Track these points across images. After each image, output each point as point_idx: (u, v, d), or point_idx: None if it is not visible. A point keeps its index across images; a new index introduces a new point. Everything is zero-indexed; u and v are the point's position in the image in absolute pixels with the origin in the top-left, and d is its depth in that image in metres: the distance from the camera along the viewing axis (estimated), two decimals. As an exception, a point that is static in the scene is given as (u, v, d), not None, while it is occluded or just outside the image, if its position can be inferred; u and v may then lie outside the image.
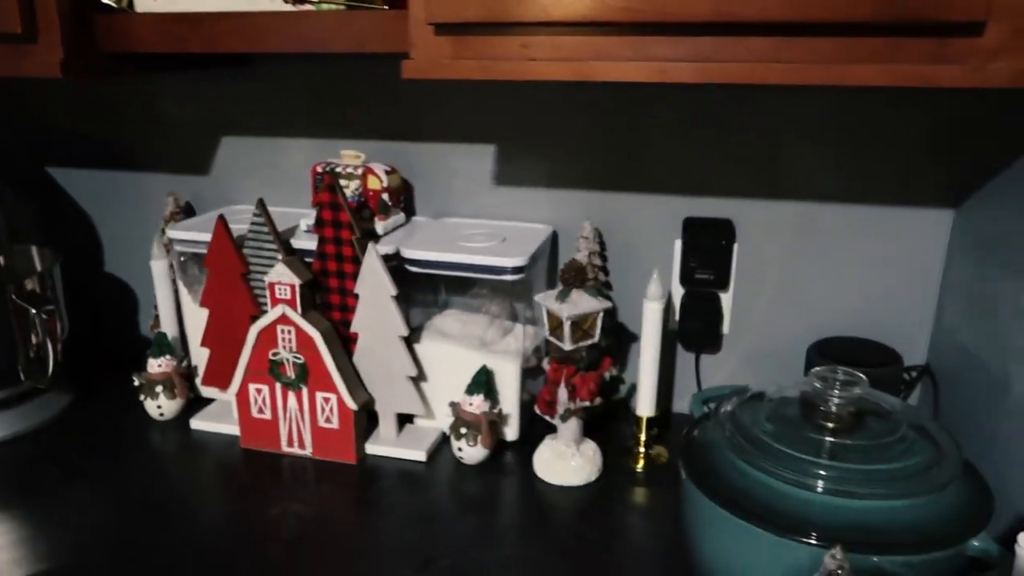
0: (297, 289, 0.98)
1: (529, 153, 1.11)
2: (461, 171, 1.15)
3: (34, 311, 1.09)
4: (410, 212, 1.18)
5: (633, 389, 1.01)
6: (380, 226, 1.08)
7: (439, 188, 1.17)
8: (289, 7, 0.91)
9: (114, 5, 0.94)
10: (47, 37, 0.91)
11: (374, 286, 0.97)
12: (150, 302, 1.24)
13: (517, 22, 0.74)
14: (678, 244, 1.06)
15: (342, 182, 1.11)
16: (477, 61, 0.77)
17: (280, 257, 1.01)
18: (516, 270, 0.97)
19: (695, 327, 1.07)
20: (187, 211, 1.29)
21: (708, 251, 1.04)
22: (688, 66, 0.71)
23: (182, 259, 1.15)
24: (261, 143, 1.24)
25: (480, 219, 1.15)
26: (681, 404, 1.15)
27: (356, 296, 0.99)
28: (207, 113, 1.24)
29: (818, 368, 0.72)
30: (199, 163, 1.28)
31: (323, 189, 0.99)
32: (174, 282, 1.18)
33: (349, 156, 1.11)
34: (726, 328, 1.09)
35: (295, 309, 0.98)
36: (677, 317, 1.09)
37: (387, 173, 1.10)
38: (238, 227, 1.04)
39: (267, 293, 0.99)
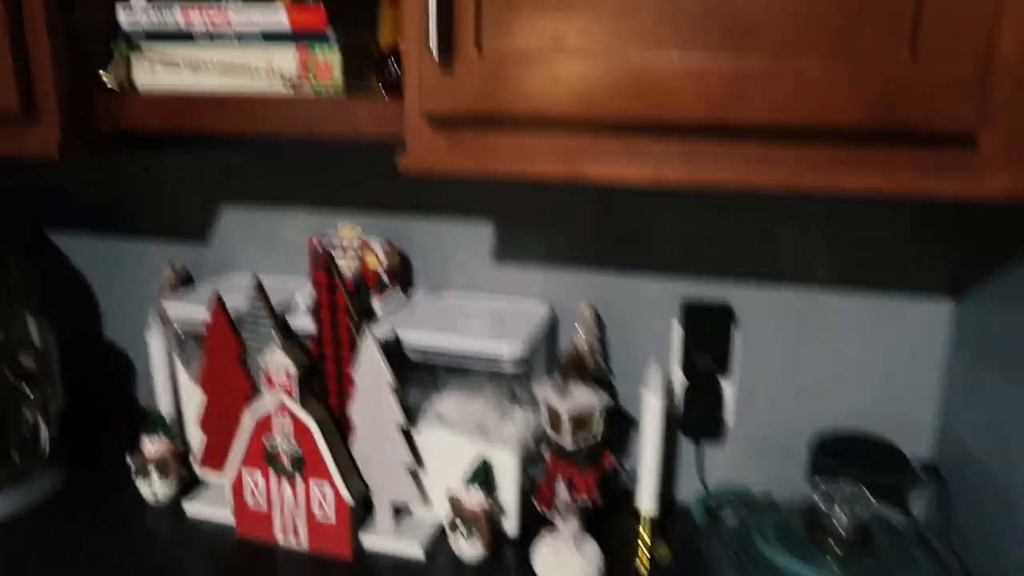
0: (294, 376, 0.96)
1: (527, 230, 1.10)
2: (459, 246, 1.14)
3: (29, 390, 1.08)
4: (407, 284, 1.17)
5: (635, 476, 0.98)
6: (378, 305, 1.07)
7: (437, 263, 1.16)
8: (287, 91, 0.91)
9: (114, 87, 0.94)
10: (46, 117, 0.92)
11: (372, 374, 0.95)
12: (147, 370, 1.22)
13: (511, 118, 0.73)
14: (677, 327, 1.04)
15: (340, 259, 1.10)
16: (472, 156, 0.76)
17: (277, 341, 0.99)
18: (515, 360, 0.95)
19: (696, 415, 1.04)
20: (185, 279, 1.28)
21: (708, 336, 1.02)
22: (681, 167, 0.70)
23: (179, 333, 1.14)
24: (260, 212, 1.23)
25: (479, 293, 1.14)
26: (686, 492, 1.12)
27: (353, 381, 0.97)
28: (206, 181, 1.24)
29: (823, 485, 0.69)
30: (198, 230, 1.28)
31: (319, 269, 0.98)
32: (171, 354, 1.16)
33: (346, 230, 1.10)
34: (728, 416, 1.06)
35: (292, 397, 0.96)
36: (678, 403, 1.06)
37: (385, 251, 1.09)
38: (236, 301, 1.03)
39: (264, 376, 0.98)
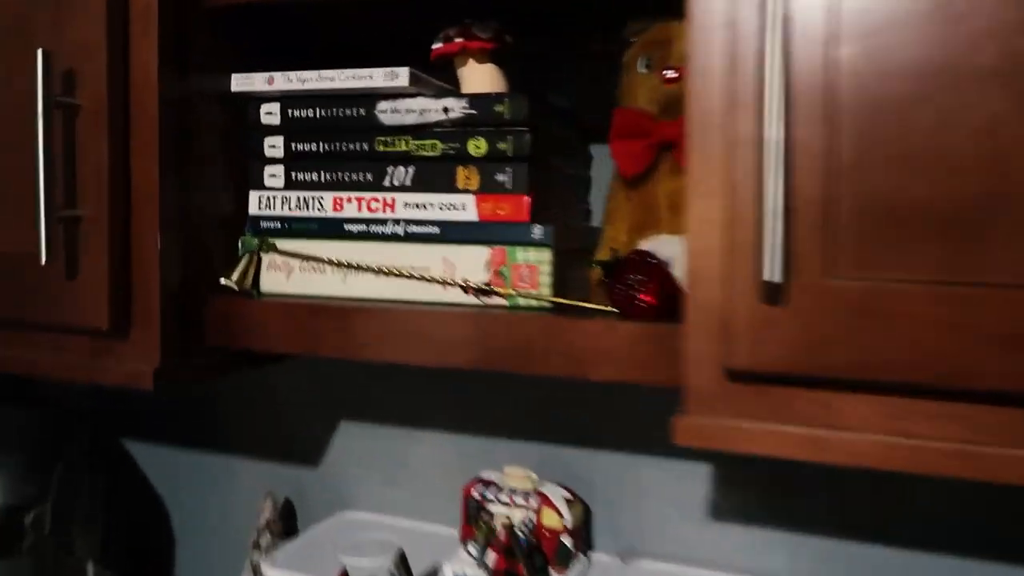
0: None
1: (760, 479, 0.81)
2: (658, 493, 0.85)
3: None
4: (588, 545, 0.87)
5: None
6: (560, 584, 0.77)
7: (626, 514, 0.86)
8: (470, 298, 0.66)
9: (235, 287, 0.71)
10: (141, 336, 0.69)
11: None
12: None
13: (879, 383, 0.46)
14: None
15: (504, 510, 0.81)
16: (808, 430, 0.48)
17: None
18: None
19: None
20: (286, 514, 1.01)
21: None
22: None
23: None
24: (386, 432, 0.97)
25: (687, 566, 0.83)
26: None
27: None
28: (321, 390, 1.00)
29: None
30: (306, 450, 1.01)
31: (500, 554, 0.69)
32: (262, 617, 0.87)
33: (516, 478, 0.82)
34: None
35: None
36: None
37: (568, 503, 0.80)
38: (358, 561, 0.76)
39: None
